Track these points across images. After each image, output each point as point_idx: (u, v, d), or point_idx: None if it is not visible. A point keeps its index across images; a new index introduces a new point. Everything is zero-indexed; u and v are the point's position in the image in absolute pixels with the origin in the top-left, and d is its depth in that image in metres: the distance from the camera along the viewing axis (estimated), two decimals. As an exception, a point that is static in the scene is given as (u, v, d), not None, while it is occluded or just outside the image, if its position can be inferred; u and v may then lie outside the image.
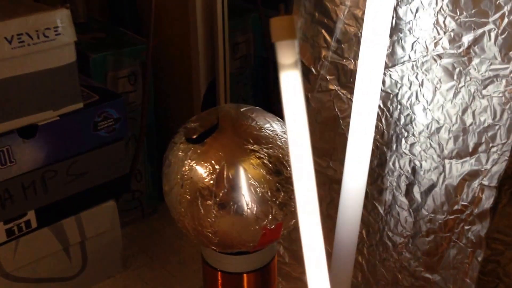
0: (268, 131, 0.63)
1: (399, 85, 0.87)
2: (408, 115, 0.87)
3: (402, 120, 0.88)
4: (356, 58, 0.90)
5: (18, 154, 0.92)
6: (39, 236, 1.00)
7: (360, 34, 0.88)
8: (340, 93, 0.95)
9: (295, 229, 1.08)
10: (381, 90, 0.88)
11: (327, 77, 0.95)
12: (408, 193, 0.90)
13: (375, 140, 0.91)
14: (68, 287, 1.08)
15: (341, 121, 0.97)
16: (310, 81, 0.99)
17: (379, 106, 0.90)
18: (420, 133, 0.86)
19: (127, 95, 1.19)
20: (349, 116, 0.93)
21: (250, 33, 1.39)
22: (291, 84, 0.59)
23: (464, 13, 0.75)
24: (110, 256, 1.13)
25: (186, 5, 1.18)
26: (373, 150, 0.90)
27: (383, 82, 0.88)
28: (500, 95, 0.74)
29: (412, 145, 0.88)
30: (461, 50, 0.77)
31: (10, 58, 0.87)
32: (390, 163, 0.92)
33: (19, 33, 0.86)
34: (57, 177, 0.99)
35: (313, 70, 0.97)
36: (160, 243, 1.27)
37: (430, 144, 0.85)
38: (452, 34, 0.77)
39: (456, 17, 0.76)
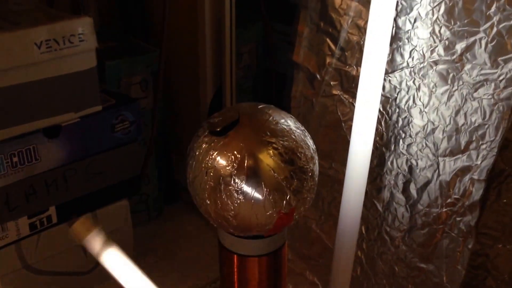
0: (283, 125, 0.70)
1: (397, 90, 0.94)
2: (405, 117, 0.95)
3: (400, 122, 0.96)
4: (358, 64, 0.98)
5: (43, 152, 0.99)
6: (59, 231, 1.06)
7: (362, 42, 0.96)
8: (343, 97, 1.03)
9: (297, 226, 1.15)
10: (381, 94, 0.95)
11: (331, 83, 1.03)
12: (405, 190, 0.97)
13: (374, 141, 0.98)
14: (82, 282, 1.14)
15: (343, 124, 1.05)
16: (314, 87, 1.06)
17: (379, 109, 0.97)
18: (416, 134, 0.94)
19: (138, 101, 1.25)
20: (350, 119, 1.01)
21: (254, 44, 1.46)
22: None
23: (458, 23, 0.83)
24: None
25: (196, 16, 1.25)
26: (372, 151, 0.97)
27: (383, 87, 0.96)
28: (490, 97, 0.82)
29: (409, 145, 0.95)
30: (454, 57, 0.85)
31: (39, 63, 0.94)
32: (389, 163, 0.99)
33: (47, 39, 0.93)
34: (77, 175, 1.05)
35: (318, 77, 1.04)
36: (167, 243, 1.33)
37: (426, 144, 0.92)
38: (446, 42, 0.85)
39: (451, 27, 0.84)
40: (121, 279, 0.77)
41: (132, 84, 1.24)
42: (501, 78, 0.80)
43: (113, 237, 1.16)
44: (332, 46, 1.01)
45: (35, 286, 1.06)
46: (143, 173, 1.24)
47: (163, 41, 1.20)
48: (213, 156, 0.69)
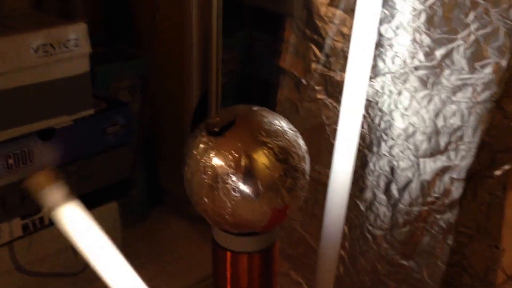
0: (277, 126, 0.74)
1: (380, 94, 0.99)
2: (387, 120, 0.99)
3: (382, 125, 1.01)
4: (342, 70, 1.02)
5: (37, 154, 1.01)
6: (51, 233, 1.08)
7: (346, 49, 1.01)
8: (327, 102, 1.07)
9: (282, 227, 1.19)
10: (364, 98, 1.00)
11: (316, 88, 1.07)
12: (387, 190, 1.02)
13: (358, 143, 1.02)
14: (72, 283, 1.16)
15: (327, 127, 1.09)
16: (300, 92, 1.10)
17: (362, 113, 1.02)
18: (398, 136, 0.98)
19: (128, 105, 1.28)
20: (334, 123, 1.05)
21: (237, 51, 1.51)
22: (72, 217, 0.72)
23: (438, 31, 0.88)
24: (111, 254, 1.21)
25: (183, 24, 1.29)
26: (355, 153, 1.02)
27: (366, 92, 1.00)
28: (467, 100, 0.87)
29: (391, 147, 1.00)
30: (434, 62, 0.90)
31: (35, 67, 0.97)
32: (371, 164, 1.04)
33: (44, 44, 0.96)
34: (69, 177, 1.07)
35: (304, 82, 1.09)
36: (153, 246, 1.35)
37: (407, 145, 0.97)
38: (427, 49, 0.90)
39: (431, 34, 0.89)
40: (77, 234, 0.75)
41: (121, 89, 1.27)
42: (478, 82, 0.85)
43: (103, 239, 1.19)
44: (318, 53, 1.06)
45: (27, 287, 1.08)
46: (131, 176, 1.27)
47: (151, 46, 1.23)
48: (210, 156, 0.72)
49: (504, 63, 0.82)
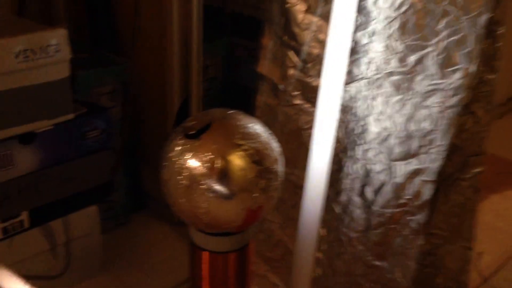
0: (251, 129, 0.76)
1: (355, 99, 1.01)
2: (362, 125, 1.02)
3: (357, 130, 1.03)
4: (319, 76, 1.04)
5: (17, 158, 1.03)
6: (31, 235, 1.09)
7: (323, 55, 1.03)
8: (304, 107, 1.09)
9: (262, 230, 1.21)
10: (339, 104, 1.02)
11: (293, 93, 1.09)
12: (362, 193, 1.04)
13: (333, 148, 1.04)
14: (52, 286, 1.17)
15: (304, 132, 1.11)
16: (278, 97, 1.12)
17: (338, 118, 1.04)
18: (372, 140, 1.01)
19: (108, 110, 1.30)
20: (311, 127, 1.07)
21: (219, 57, 1.53)
22: None
23: (410, 38, 0.91)
24: (91, 258, 1.22)
25: (164, 30, 1.31)
26: (331, 157, 1.04)
27: (341, 97, 1.02)
28: (439, 105, 0.90)
29: (365, 151, 1.02)
30: (407, 68, 0.93)
31: (16, 71, 0.98)
32: (346, 168, 1.06)
33: (25, 49, 0.97)
34: (49, 181, 1.09)
35: (281, 87, 1.11)
36: (135, 249, 1.37)
37: (381, 149, 1.00)
38: (400, 55, 0.93)
39: (404, 41, 0.92)
40: None
41: (102, 94, 1.29)
42: (448, 87, 0.88)
43: (83, 243, 1.20)
44: (295, 59, 1.08)
45: (7, 289, 1.09)
46: (112, 180, 1.28)
47: (132, 52, 1.25)
48: (187, 158, 0.74)
49: (473, 68, 0.85)
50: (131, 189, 1.45)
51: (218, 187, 0.73)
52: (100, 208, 1.32)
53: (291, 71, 1.09)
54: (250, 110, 1.23)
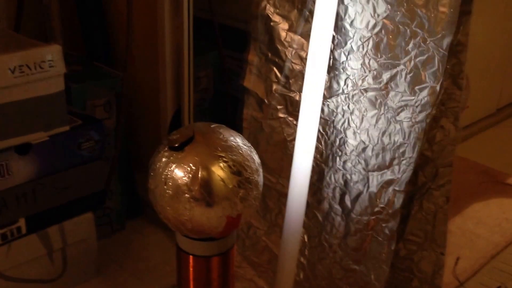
0: (232, 142, 0.82)
1: (334, 113, 1.08)
2: (341, 137, 1.08)
3: (337, 142, 1.09)
4: (300, 90, 1.10)
5: (14, 168, 1.08)
6: (28, 241, 1.15)
7: (304, 71, 1.09)
8: (288, 120, 1.15)
9: (248, 237, 1.27)
10: (320, 117, 1.08)
11: (277, 107, 1.16)
12: (341, 201, 1.10)
13: (315, 158, 1.10)
14: (49, 289, 1.23)
15: (288, 143, 1.17)
16: (263, 110, 1.19)
17: (319, 130, 1.10)
18: (351, 152, 1.07)
19: (103, 121, 1.35)
20: (295, 139, 1.13)
21: (210, 69, 1.58)
22: None
23: (383, 56, 0.97)
24: (86, 262, 1.28)
25: (156, 43, 1.37)
26: (313, 167, 1.10)
27: (322, 111, 1.09)
28: (408, 120, 0.96)
29: (344, 162, 1.08)
30: (381, 85, 0.99)
31: (12, 86, 1.04)
32: (327, 178, 1.12)
33: (20, 65, 1.03)
34: (45, 189, 1.15)
35: (266, 101, 1.17)
36: (129, 254, 1.42)
37: (358, 160, 1.06)
38: (375, 72, 0.99)
39: (377, 59, 0.98)
40: None
41: (97, 106, 1.35)
42: (417, 104, 0.94)
43: (79, 248, 1.26)
44: (278, 74, 1.14)
45: (5, 292, 1.15)
46: (107, 188, 1.34)
47: (125, 65, 1.31)
48: (171, 168, 0.80)
49: (438, 87, 0.91)
50: (127, 196, 1.51)
51: (200, 196, 0.79)
52: (96, 214, 1.38)
53: (275, 86, 1.15)
54: (240, 120, 1.29)
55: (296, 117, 1.14)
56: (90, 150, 1.20)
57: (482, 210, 1.66)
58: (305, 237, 1.18)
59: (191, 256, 0.88)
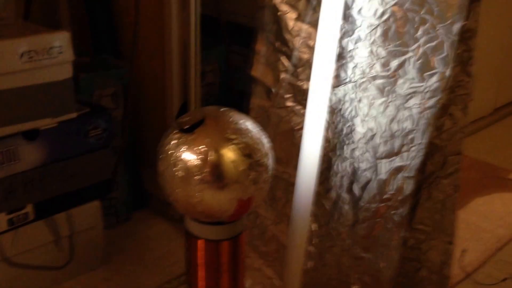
0: (242, 125, 0.83)
1: (342, 102, 1.08)
2: (349, 126, 1.08)
3: (345, 131, 1.09)
4: (309, 79, 1.11)
5: (22, 153, 1.09)
6: (35, 228, 1.15)
7: (312, 60, 1.09)
8: (295, 109, 1.16)
9: (256, 226, 1.27)
10: (328, 106, 1.08)
11: (285, 96, 1.16)
12: (349, 189, 1.10)
13: (323, 147, 1.10)
14: (56, 276, 1.23)
15: (295, 132, 1.17)
16: (270, 99, 1.19)
17: (326, 119, 1.10)
18: (358, 140, 1.07)
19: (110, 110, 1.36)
20: (302, 128, 1.14)
21: (216, 64, 1.59)
22: None
23: (392, 44, 0.97)
24: (93, 251, 1.28)
25: (163, 37, 1.37)
26: (321, 156, 1.10)
27: (330, 100, 1.09)
28: (418, 106, 0.96)
29: (352, 150, 1.09)
30: (389, 73, 0.99)
31: (20, 71, 1.05)
32: (335, 166, 1.12)
33: (29, 50, 1.04)
34: (53, 176, 1.15)
35: (274, 90, 1.17)
36: (135, 244, 1.42)
37: (367, 148, 1.06)
38: (383, 60, 0.99)
39: (386, 47, 0.98)
40: None
41: (104, 96, 1.35)
42: (426, 90, 0.94)
43: (85, 236, 1.26)
44: (286, 63, 1.14)
45: (12, 278, 1.15)
46: (113, 178, 1.35)
47: (133, 57, 1.31)
48: (181, 151, 0.80)
49: (448, 72, 0.91)
50: (132, 188, 1.51)
51: (210, 178, 0.79)
52: (103, 205, 1.39)
53: (283, 75, 1.15)
54: (247, 109, 1.29)
55: (304, 106, 1.14)
56: (97, 138, 1.20)
57: (485, 204, 1.66)
58: (313, 226, 1.17)
59: (200, 240, 0.88)
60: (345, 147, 1.10)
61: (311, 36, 1.10)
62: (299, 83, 1.14)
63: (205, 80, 1.57)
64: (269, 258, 1.27)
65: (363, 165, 1.07)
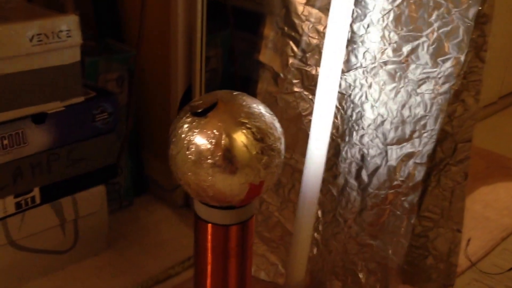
0: (255, 109, 0.82)
1: (352, 87, 1.07)
2: (358, 111, 1.07)
3: (354, 116, 1.09)
4: (317, 65, 1.10)
5: (30, 137, 1.08)
6: (41, 211, 1.15)
7: (321, 45, 1.08)
8: (303, 94, 1.15)
9: (261, 212, 1.27)
10: (338, 91, 1.08)
11: (293, 81, 1.15)
12: (358, 176, 1.10)
13: (331, 133, 1.10)
14: (61, 260, 1.22)
15: (303, 118, 1.17)
16: (278, 85, 1.18)
17: (335, 105, 1.10)
18: (368, 126, 1.06)
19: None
20: (310, 114, 1.13)
21: (220, 49, 1.58)
22: None
23: (404, 29, 0.96)
24: (97, 235, 1.28)
25: (168, 20, 1.36)
26: (329, 142, 1.10)
27: (339, 85, 1.08)
28: (430, 92, 0.95)
29: (361, 136, 1.08)
30: (401, 58, 0.98)
31: (30, 54, 1.04)
32: (343, 152, 1.12)
33: (39, 33, 1.03)
34: (60, 160, 1.14)
35: (281, 75, 1.16)
36: (138, 229, 1.42)
37: (376, 134, 1.05)
38: (395, 45, 0.98)
39: (398, 32, 0.97)
40: None
41: (109, 81, 1.34)
42: (440, 75, 0.94)
43: (90, 221, 1.25)
44: (295, 48, 1.14)
45: (18, 261, 1.15)
46: (118, 163, 1.34)
47: (139, 41, 1.30)
48: (194, 134, 0.80)
49: (462, 57, 0.91)
50: (135, 173, 1.50)
51: (223, 162, 0.79)
52: (106, 189, 1.38)
53: (291, 60, 1.14)
54: (254, 95, 1.28)
55: (312, 92, 1.13)
56: (103, 122, 1.19)
57: (490, 193, 1.66)
58: (319, 212, 1.17)
59: (209, 225, 0.87)
60: (354, 133, 1.09)
61: (321, 21, 1.09)
62: (308, 69, 1.13)
63: (208, 65, 1.55)
64: (273, 244, 1.27)
65: (372, 151, 1.07)
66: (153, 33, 1.42)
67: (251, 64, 1.25)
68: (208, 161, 0.79)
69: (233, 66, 1.60)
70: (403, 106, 1.00)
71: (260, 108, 0.83)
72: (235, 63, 1.58)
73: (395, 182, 1.03)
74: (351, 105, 1.08)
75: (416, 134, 0.99)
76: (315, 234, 1.19)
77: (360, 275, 1.11)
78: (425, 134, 0.98)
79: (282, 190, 1.24)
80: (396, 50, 0.98)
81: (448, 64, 0.92)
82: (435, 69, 0.94)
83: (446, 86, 0.93)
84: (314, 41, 1.11)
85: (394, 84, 1.00)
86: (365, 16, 1.02)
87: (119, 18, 1.52)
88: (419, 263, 1.15)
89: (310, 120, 1.08)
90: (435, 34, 0.93)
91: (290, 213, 1.23)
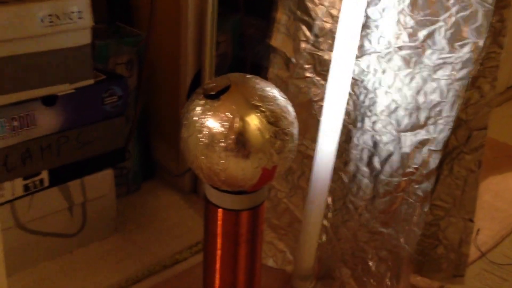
0: (269, 93, 0.80)
1: (365, 73, 1.06)
2: (372, 97, 1.06)
3: (367, 102, 1.07)
4: (330, 50, 1.08)
5: (40, 119, 1.07)
6: (50, 194, 1.14)
7: (335, 29, 1.07)
8: (315, 80, 1.13)
9: (270, 199, 1.25)
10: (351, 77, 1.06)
11: (305, 66, 1.13)
12: (369, 163, 1.09)
13: (343, 119, 1.09)
14: (69, 243, 1.22)
15: (314, 104, 1.15)
16: (289, 70, 1.16)
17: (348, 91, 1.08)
18: (381, 112, 1.05)
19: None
20: (321, 100, 1.11)
21: (230, 34, 1.56)
22: None
23: (421, 13, 0.95)
24: (105, 219, 1.27)
25: (179, 4, 1.34)
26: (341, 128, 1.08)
27: (352, 70, 1.07)
28: (447, 78, 0.94)
29: (374, 122, 1.07)
30: (417, 43, 0.97)
31: (41, 36, 1.02)
32: (355, 139, 1.10)
33: (50, 14, 1.01)
34: (68, 143, 1.13)
35: (293, 60, 1.15)
36: (145, 214, 1.41)
37: (389, 121, 1.04)
38: (410, 30, 0.97)
39: (414, 16, 0.96)
40: None
41: (119, 64, 1.33)
42: (457, 61, 0.92)
43: (98, 204, 1.25)
44: (307, 33, 1.12)
45: (26, 244, 1.14)
46: (126, 147, 1.33)
47: (150, 24, 1.29)
48: (207, 117, 0.78)
49: (481, 42, 0.89)
50: (143, 158, 1.49)
51: (235, 146, 0.77)
52: (114, 174, 1.37)
53: (303, 45, 1.13)
54: (265, 79, 1.27)
55: (324, 77, 1.12)
56: (113, 105, 1.18)
57: (499, 183, 1.65)
58: (329, 199, 1.16)
59: (220, 210, 0.87)
60: (366, 119, 1.08)
61: (335, 5, 1.07)
62: (320, 53, 1.12)
63: (218, 50, 1.54)
64: (281, 231, 1.26)
65: (385, 138, 1.05)
66: (164, 17, 1.40)
67: (261, 49, 1.23)
68: (221, 144, 0.78)
69: (243, 51, 1.58)
70: (418, 92, 0.98)
71: (274, 91, 0.82)
72: (245, 48, 1.56)
73: (408, 169, 1.01)
74: (364, 91, 1.07)
75: (431, 121, 0.97)
76: (324, 221, 1.18)
77: (370, 263, 1.10)
78: (440, 121, 0.96)
79: (292, 176, 1.22)
80: (412, 35, 0.97)
81: (466, 49, 0.91)
82: (452, 55, 0.92)
83: (464, 71, 0.92)
84: (328, 26, 1.09)
85: (409, 70, 0.99)
86: (380, 0, 1.00)
87: (129, 2, 1.50)
88: (429, 252, 1.14)
89: (321, 106, 1.07)
90: (453, 19, 0.91)
91: (299, 200, 1.22)
